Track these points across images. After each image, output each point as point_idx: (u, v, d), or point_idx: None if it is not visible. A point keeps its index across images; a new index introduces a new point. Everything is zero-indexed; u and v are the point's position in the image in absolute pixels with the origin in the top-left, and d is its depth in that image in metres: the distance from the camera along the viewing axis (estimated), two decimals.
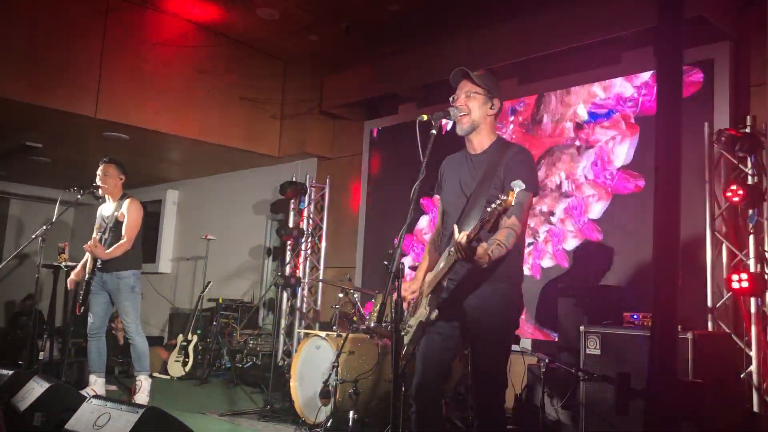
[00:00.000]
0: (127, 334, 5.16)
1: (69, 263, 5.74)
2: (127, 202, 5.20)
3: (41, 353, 6.17)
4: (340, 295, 5.42)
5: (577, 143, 5.46)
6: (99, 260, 5.09)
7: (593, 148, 5.33)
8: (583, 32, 5.11)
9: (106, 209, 5.29)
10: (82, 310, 5.12)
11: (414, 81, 6.42)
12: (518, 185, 2.30)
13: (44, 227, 5.20)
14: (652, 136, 4.81)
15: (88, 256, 5.17)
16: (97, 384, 5.11)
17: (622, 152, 5.15)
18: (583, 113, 5.44)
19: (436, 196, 3.08)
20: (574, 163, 5.45)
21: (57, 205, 5.26)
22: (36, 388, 3.62)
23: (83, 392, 4.44)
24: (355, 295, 5.38)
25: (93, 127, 6.77)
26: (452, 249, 2.63)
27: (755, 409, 4.09)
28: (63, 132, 7.15)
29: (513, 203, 2.31)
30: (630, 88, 5.15)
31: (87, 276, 5.11)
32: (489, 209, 2.33)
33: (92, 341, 5.14)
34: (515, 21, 5.56)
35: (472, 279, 2.70)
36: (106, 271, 5.09)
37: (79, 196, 5.29)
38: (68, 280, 5.31)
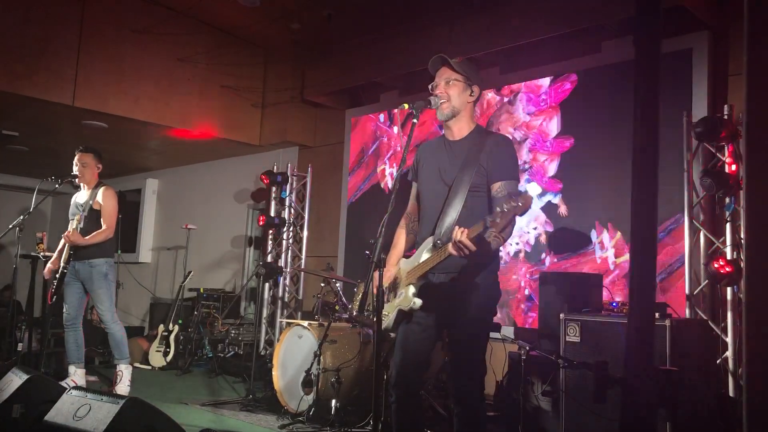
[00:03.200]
0: (103, 323, 5.12)
1: (47, 253, 5.68)
2: (101, 190, 5.16)
3: (20, 344, 6.11)
4: (322, 284, 5.41)
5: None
6: (72, 249, 5.03)
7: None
8: (565, 21, 5.13)
9: (80, 197, 5.24)
10: (54, 299, 5.07)
11: (396, 69, 6.40)
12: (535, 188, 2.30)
13: (21, 217, 5.14)
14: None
15: (63, 244, 5.11)
16: (77, 375, 5.07)
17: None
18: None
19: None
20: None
21: (34, 194, 5.19)
22: (15, 379, 3.59)
23: (63, 383, 4.41)
24: (337, 285, 5.38)
25: (71, 116, 6.68)
26: (439, 241, 2.65)
27: (731, 393, 4.17)
28: (40, 120, 7.04)
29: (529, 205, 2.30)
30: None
31: (62, 265, 5.05)
32: (503, 209, 2.27)
33: (69, 332, 5.09)
34: (496, 10, 5.56)
35: (452, 267, 2.71)
36: (78, 260, 5.04)
37: (56, 186, 5.23)
38: (45, 269, 5.24)
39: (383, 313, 2.80)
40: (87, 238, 5.00)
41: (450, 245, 2.47)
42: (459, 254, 2.46)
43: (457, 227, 2.47)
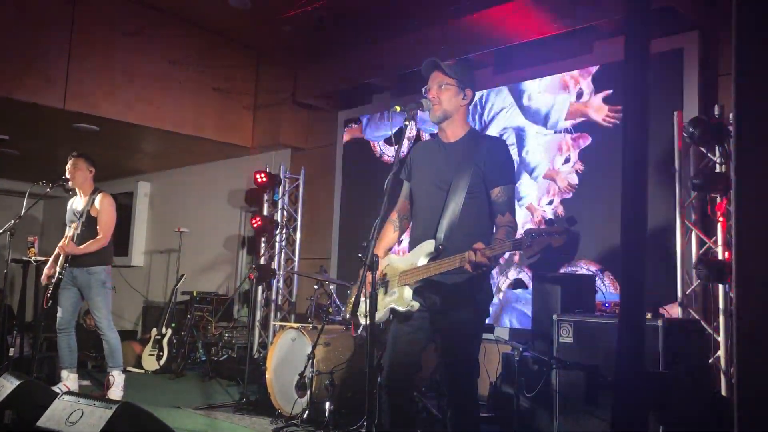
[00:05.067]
0: (99, 330, 5.10)
1: (38, 258, 5.64)
2: (99, 197, 5.13)
3: (11, 349, 6.07)
4: (316, 286, 5.41)
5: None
6: (69, 255, 5.01)
7: None
8: (558, 22, 5.14)
9: (78, 203, 5.21)
10: (50, 304, 5.05)
11: (388, 71, 6.40)
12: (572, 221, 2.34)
13: (13, 221, 5.11)
14: None
15: (59, 253, 5.08)
16: (69, 379, 5.05)
17: None
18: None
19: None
20: None
21: (25, 198, 5.16)
22: (6, 385, 3.56)
23: (55, 388, 4.39)
24: (331, 287, 5.38)
25: (62, 119, 6.64)
26: (441, 246, 2.66)
27: (723, 392, 4.18)
28: (31, 124, 7.01)
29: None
30: None
31: (58, 271, 5.03)
32: (542, 236, 2.31)
33: (62, 336, 5.07)
34: (490, 10, 5.56)
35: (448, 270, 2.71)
36: (76, 266, 5.02)
37: (48, 190, 5.20)
38: (43, 275, 5.20)
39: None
40: (81, 247, 4.98)
41: (468, 266, 2.47)
42: (476, 272, 2.49)
43: (472, 252, 2.46)
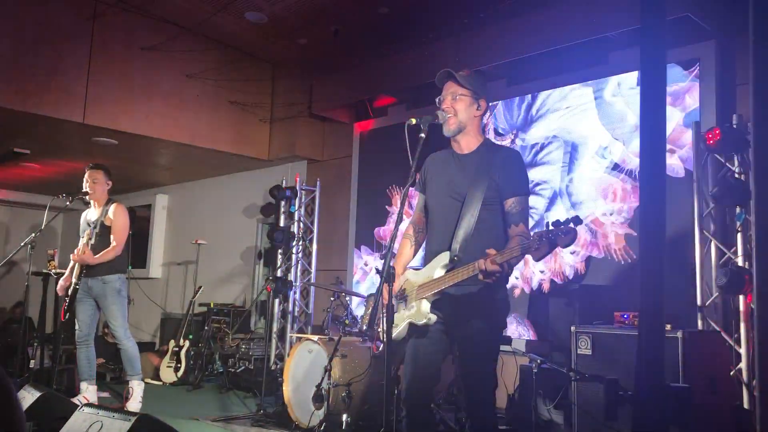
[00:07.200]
0: (116, 339, 5.13)
1: (58, 270, 5.70)
2: (113, 206, 5.19)
3: (32, 361, 6.13)
4: (332, 298, 5.41)
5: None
6: (84, 265, 5.05)
7: None
8: (571, 33, 5.13)
9: (91, 214, 5.26)
10: (67, 316, 5.09)
11: (403, 83, 6.42)
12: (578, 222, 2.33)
13: (33, 234, 5.17)
14: None
15: (75, 263, 5.14)
16: (88, 391, 5.08)
17: None
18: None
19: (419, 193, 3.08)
20: None
21: (46, 211, 5.22)
22: (27, 396, 3.60)
23: (75, 400, 4.41)
24: (347, 298, 5.38)
25: (81, 133, 6.73)
26: (456, 257, 2.65)
27: (745, 405, 4.12)
28: (51, 138, 7.11)
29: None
30: None
31: (74, 282, 5.07)
32: (550, 238, 2.29)
33: (81, 349, 5.10)
34: (503, 22, 5.57)
35: (465, 281, 2.70)
36: (91, 276, 5.06)
37: (68, 203, 5.26)
38: (58, 286, 5.27)
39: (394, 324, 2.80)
40: (96, 257, 5.03)
41: (480, 275, 2.47)
42: (489, 280, 2.47)
43: (482, 260, 2.46)
